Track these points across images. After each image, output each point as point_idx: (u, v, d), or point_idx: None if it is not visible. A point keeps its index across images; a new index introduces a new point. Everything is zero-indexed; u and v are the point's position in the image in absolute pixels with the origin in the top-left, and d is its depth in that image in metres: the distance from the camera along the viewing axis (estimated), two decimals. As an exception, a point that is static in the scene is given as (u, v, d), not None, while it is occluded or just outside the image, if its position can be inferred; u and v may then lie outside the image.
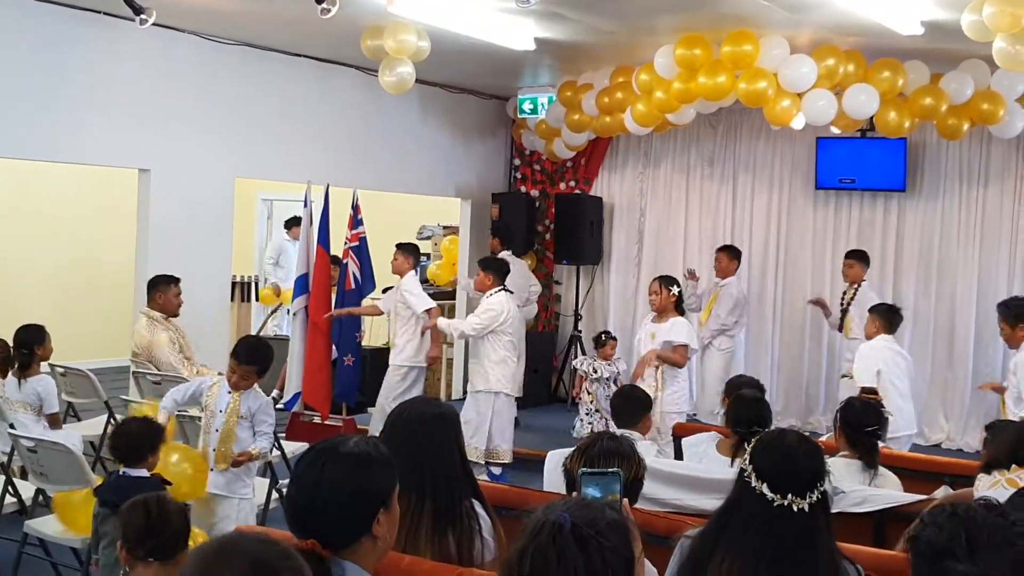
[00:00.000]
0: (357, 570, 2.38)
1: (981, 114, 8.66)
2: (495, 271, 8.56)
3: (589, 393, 8.86)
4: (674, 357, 7.85)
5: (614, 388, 8.33)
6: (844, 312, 9.35)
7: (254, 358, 5.68)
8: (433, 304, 8.87)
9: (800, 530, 2.85)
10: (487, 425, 8.48)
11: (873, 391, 7.13)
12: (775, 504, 2.86)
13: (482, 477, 8.37)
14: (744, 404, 5.23)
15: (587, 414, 8.79)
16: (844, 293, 9.54)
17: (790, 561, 2.83)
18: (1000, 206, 10.01)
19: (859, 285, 9.32)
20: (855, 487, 4.76)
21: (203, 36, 8.66)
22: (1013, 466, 3.73)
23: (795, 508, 2.84)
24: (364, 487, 2.43)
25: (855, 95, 8.56)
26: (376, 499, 2.45)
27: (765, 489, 2.87)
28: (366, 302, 9.40)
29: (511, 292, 8.73)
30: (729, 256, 9.99)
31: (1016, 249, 9.94)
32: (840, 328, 9.44)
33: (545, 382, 11.46)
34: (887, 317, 7.82)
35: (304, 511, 2.42)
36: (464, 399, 11.23)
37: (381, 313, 9.31)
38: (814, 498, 2.86)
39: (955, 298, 10.18)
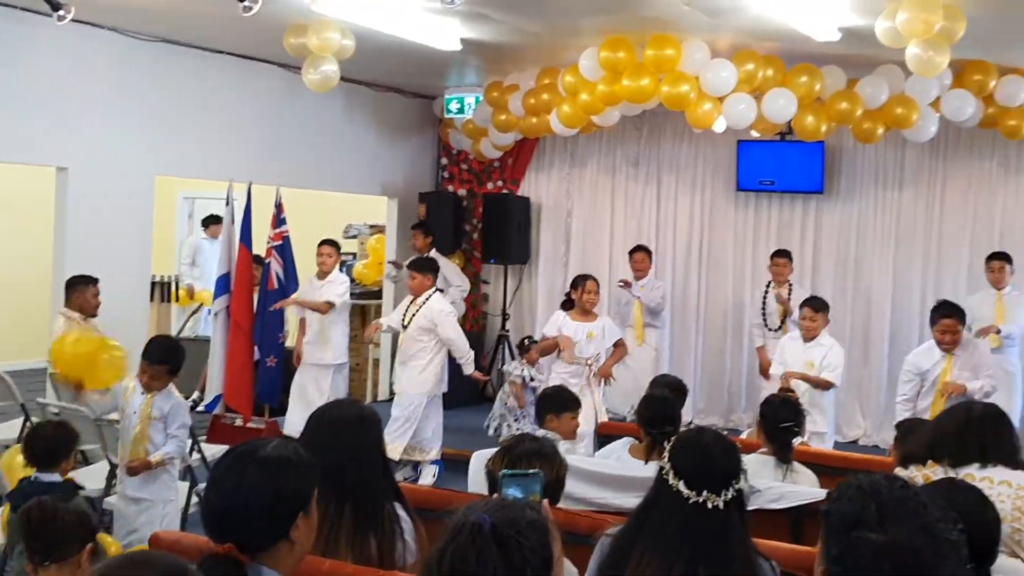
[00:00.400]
0: (272, 574, 2.38)
1: (895, 118, 8.84)
2: (432, 272, 8.57)
3: (516, 397, 8.97)
4: (622, 356, 8.04)
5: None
6: (786, 311, 9.40)
7: (164, 357, 5.62)
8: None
9: (716, 527, 2.91)
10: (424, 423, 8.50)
11: (790, 389, 7.25)
12: (691, 501, 2.92)
13: (425, 479, 8.39)
14: (653, 404, 5.28)
15: (509, 411, 8.90)
16: (769, 291, 9.56)
17: (706, 557, 2.88)
18: (915, 208, 10.24)
19: (791, 284, 9.46)
20: (772, 484, 4.84)
21: (122, 32, 8.52)
22: (929, 462, 3.83)
23: (710, 505, 2.90)
24: (283, 491, 2.43)
25: (774, 99, 8.71)
26: (295, 503, 2.45)
27: (682, 486, 2.93)
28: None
29: (442, 291, 8.77)
30: (649, 256, 10.13)
31: (930, 250, 10.18)
32: (779, 329, 9.46)
33: (474, 382, 11.45)
34: (827, 312, 8.00)
35: (222, 515, 2.41)
36: (392, 399, 11.27)
37: (326, 310, 9.21)
38: (729, 495, 2.93)
39: (871, 298, 10.39)
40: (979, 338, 8.12)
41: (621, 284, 10.11)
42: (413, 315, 8.38)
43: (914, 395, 7.28)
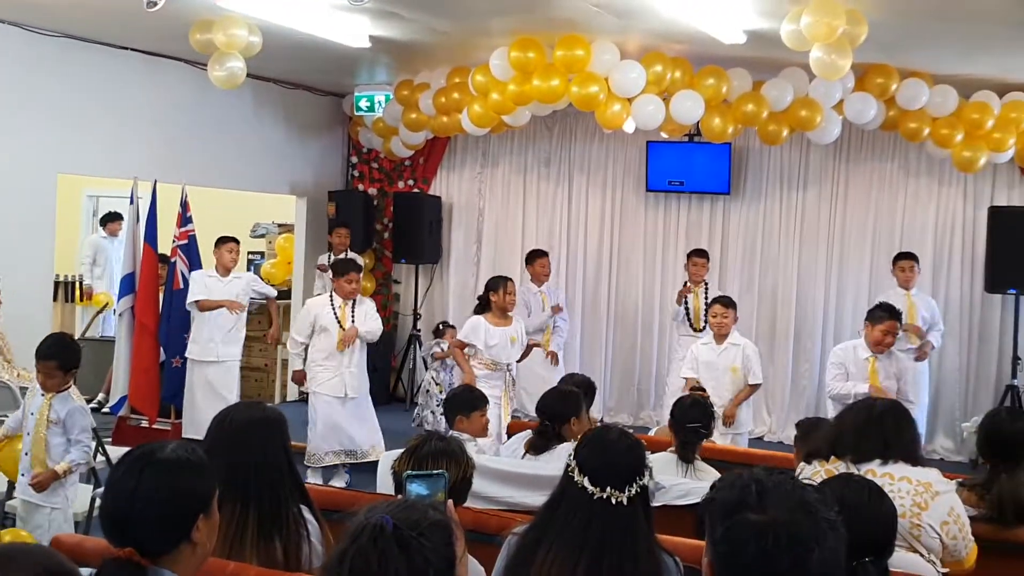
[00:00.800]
0: None
1: (800, 120, 9.00)
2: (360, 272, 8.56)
3: (437, 384, 8.92)
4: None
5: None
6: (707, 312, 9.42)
7: (52, 353, 5.50)
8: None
9: (620, 523, 2.95)
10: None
11: (702, 388, 7.33)
12: (595, 497, 2.96)
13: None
14: (548, 396, 5.33)
15: (430, 397, 8.90)
16: (689, 291, 9.52)
17: (610, 553, 2.92)
18: (818, 208, 10.45)
19: (707, 284, 9.53)
20: (679, 481, 4.90)
21: (23, 27, 8.30)
22: (832, 457, 3.90)
23: (614, 501, 2.95)
24: (183, 493, 2.41)
25: (682, 101, 8.81)
26: (194, 504, 2.43)
27: (587, 483, 2.98)
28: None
29: None
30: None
31: (833, 249, 10.40)
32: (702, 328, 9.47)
33: (383, 382, 11.40)
34: (736, 309, 8.11)
35: (121, 519, 2.37)
36: (301, 400, 11.15)
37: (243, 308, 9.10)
38: (633, 491, 2.97)
39: (776, 296, 10.58)
40: (910, 334, 8.30)
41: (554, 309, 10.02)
42: (353, 317, 8.26)
43: (841, 385, 7.28)
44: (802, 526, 1.96)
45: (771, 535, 1.94)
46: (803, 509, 1.99)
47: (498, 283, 8.04)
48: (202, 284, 8.89)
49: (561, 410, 5.35)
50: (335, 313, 8.15)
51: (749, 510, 1.99)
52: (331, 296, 8.22)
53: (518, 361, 8.25)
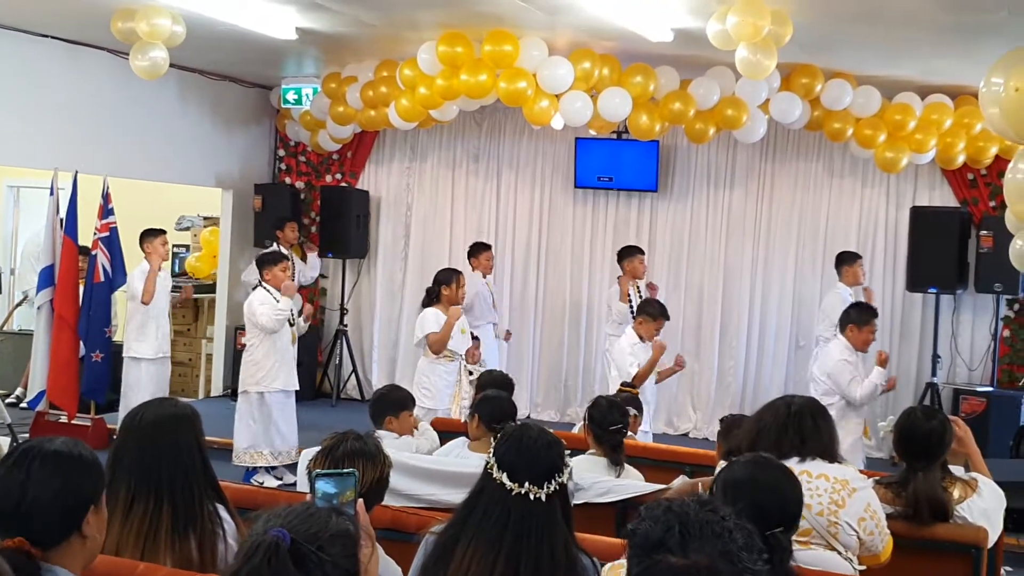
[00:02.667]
0: (65, 573, 2.36)
1: (726, 119, 9.07)
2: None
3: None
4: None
5: None
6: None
7: None
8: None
9: (537, 518, 2.96)
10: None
11: (632, 386, 7.35)
12: (513, 493, 2.97)
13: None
14: (493, 402, 5.29)
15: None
16: (630, 289, 9.49)
17: (527, 548, 2.93)
18: (744, 206, 10.55)
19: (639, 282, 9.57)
20: (600, 478, 4.90)
21: (-63, 11, 8.11)
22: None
23: (532, 497, 2.96)
24: (70, 485, 2.45)
25: (609, 98, 8.83)
26: (85, 497, 2.47)
27: (505, 478, 2.99)
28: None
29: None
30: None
31: (759, 246, 10.51)
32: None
33: (310, 377, 11.28)
34: None
35: (11, 510, 2.40)
36: (225, 395, 11.04)
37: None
38: (551, 488, 2.99)
39: (703, 293, 10.67)
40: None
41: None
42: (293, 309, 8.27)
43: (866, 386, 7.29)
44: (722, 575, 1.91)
45: None
46: (726, 558, 1.92)
47: (451, 276, 8.02)
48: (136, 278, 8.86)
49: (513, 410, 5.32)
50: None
51: (669, 552, 1.93)
52: (267, 290, 8.12)
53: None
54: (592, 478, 4.85)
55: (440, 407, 7.77)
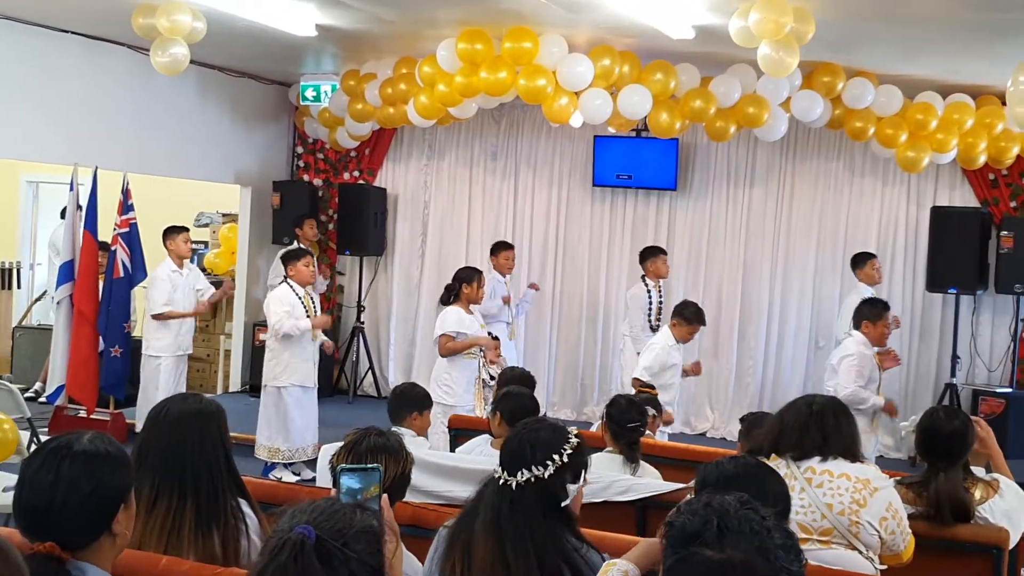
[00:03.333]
0: (96, 571, 2.32)
1: (747, 117, 9.03)
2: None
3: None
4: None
5: None
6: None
7: None
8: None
9: (512, 506, 3.03)
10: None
11: (650, 386, 7.33)
12: (501, 482, 3.07)
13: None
14: (514, 399, 5.29)
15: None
16: (651, 290, 9.42)
17: (509, 536, 3.00)
18: (764, 205, 10.51)
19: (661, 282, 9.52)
20: (620, 477, 4.90)
21: (-40, 7, 8.14)
22: (772, 455, 3.90)
23: (512, 486, 3.05)
24: (103, 484, 2.38)
25: (629, 95, 8.80)
26: (116, 496, 2.40)
27: (499, 469, 3.09)
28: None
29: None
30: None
31: (778, 246, 10.47)
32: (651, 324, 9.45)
33: (327, 374, 11.30)
34: None
35: (40, 513, 2.33)
36: (243, 391, 11.08)
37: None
38: (524, 478, 3.04)
39: (721, 292, 10.63)
40: None
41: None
42: (315, 305, 8.35)
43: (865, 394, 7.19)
44: (757, 572, 1.88)
45: None
46: (763, 555, 1.90)
47: (472, 275, 7.95)
48: (168, 284, 8.90)
49: (535, 407, 5.32)
50: (302, 301, 8.18)
51: (706, 545, 1.92)
52: (291, 286, 8.17)
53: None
54: (610, 476, 4.85)
55: (461, 404, 7.74)
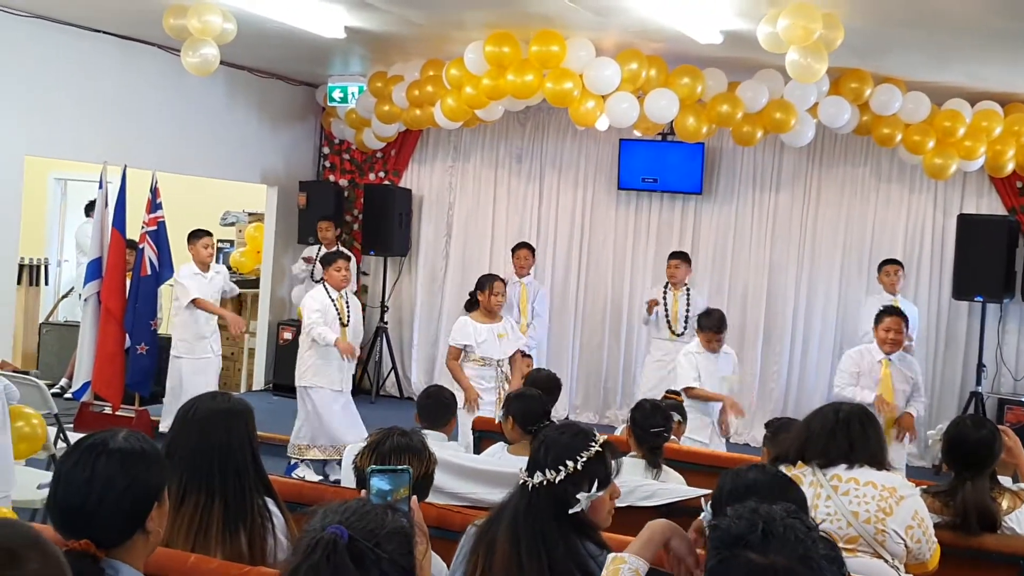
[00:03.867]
0: (128, 570, 2.32)
1: (774, 122, 9.02)
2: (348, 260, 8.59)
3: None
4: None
5: None
6: (687, 317, 9.32)
7: None
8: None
9: (528, 508, 3.03)
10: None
11: (676, 393, 7.31)
12: (521, 483, 3.08)
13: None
14: (526, 401, 5.27)
15: None
16: (657, 303, 9.44)
17: (524, 538, 2.99)
18: (790, 210, 10.48)
19: (688, 288, 9.47)
20: (644, 482, 4.90)
21: (-6, 6, 8.21)
22: (799, 462, 3.89)
23: (529, 486, 3.05)
24: (138, 482, 2.38)
25: (656, 99, 8.80)
26: (150, 494, 2.41)
27: (521, 471, 3.10)
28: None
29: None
30: (532, 252, 10.08)
31: (804, 251, 10.44)
32: (682, 334, 9.37)
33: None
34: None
35: (75, 510, 2.34)
36: (267, 390, 11.13)
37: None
38: (536, 481, 3.03)
39: (746, 298, 10.60)
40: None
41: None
42: (349, 310, 8.40)
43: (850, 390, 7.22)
44: None
45: None
46: (806, 563, 1.92)
47: (485, 283, 7.82)
48: (195, 282, 8.95)
49: (545, 411, 5.31)
50: (335, 304, 8.26)
51: (750, 548, 1.94)
52: (325, 288, 8.28)
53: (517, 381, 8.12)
54: (634, 481, 4.85)
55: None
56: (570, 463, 3.05)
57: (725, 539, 1.98)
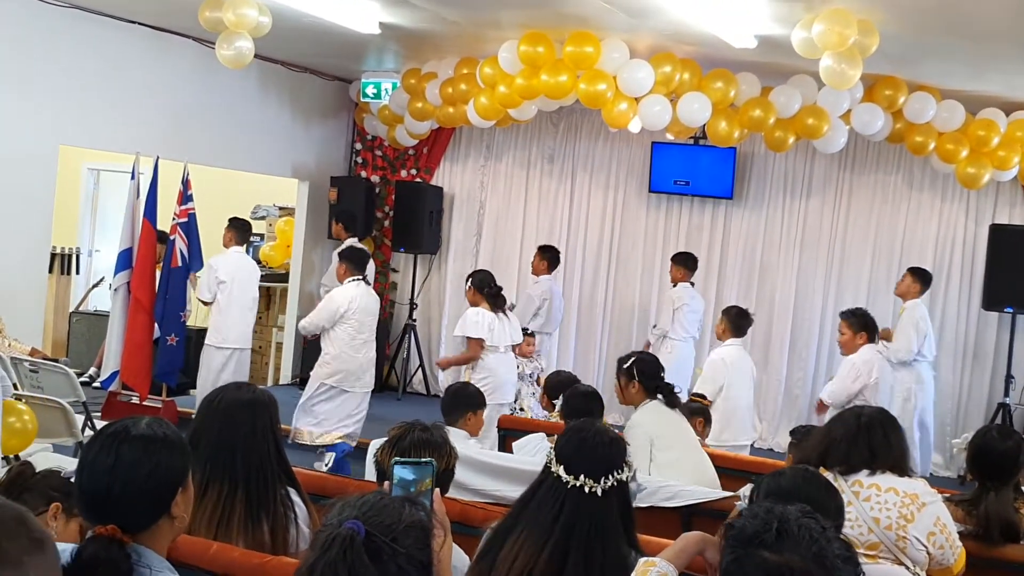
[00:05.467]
0: (150, 554, 2.35)
1: (806, 128, 8.98)
2: (348, 260, 8.51)
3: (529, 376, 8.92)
4: (464, 353, 7.88)
5: (537, 386, 8.36)
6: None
7: None
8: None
9: (590, 511, 2.97)
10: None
11: (703, 396, 7.31)
12: (569, 486, 2.99)
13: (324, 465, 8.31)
14: (579, 396, 5.32)
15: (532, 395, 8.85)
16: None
17: (577, 541, 2.94)
18: (820, 217, 10.42)
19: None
20: (666, 482, 4.90)
21: (30, -4, 8.28)
22: (821, 468, 3.88)
23: (587, 490, 2.98)
24: (161, 467, 2.40)
25: (689, 103, 8.78)
26: (175, 480, 2.43)
27: (562, 471, 3.01)
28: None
29: (368, 282, 8.71)
30: (540, 256, 10.08)
31: (833, 258, 10.38)
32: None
33: (377, 370, 11.33)
34: (736, 321, 8.05)
35: (101, 497, 2.36)
36: (294, 384, 11.17)
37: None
38: (607, 484, 2.99)
39: (774, 304, 10.56)
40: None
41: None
42: None
43: None
44: None
45: None
46: (820, 562, 1.94)
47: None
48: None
49: (588, 408, 5.36)
50: None
51: (765, 547, 1.96)
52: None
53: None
54: (656, 482, 4.85)
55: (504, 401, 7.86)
56: (629, 461, 3.07)
57: (740, 538, 2.00)
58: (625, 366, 5.60)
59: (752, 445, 10.35)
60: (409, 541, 2.07)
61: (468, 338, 8.01)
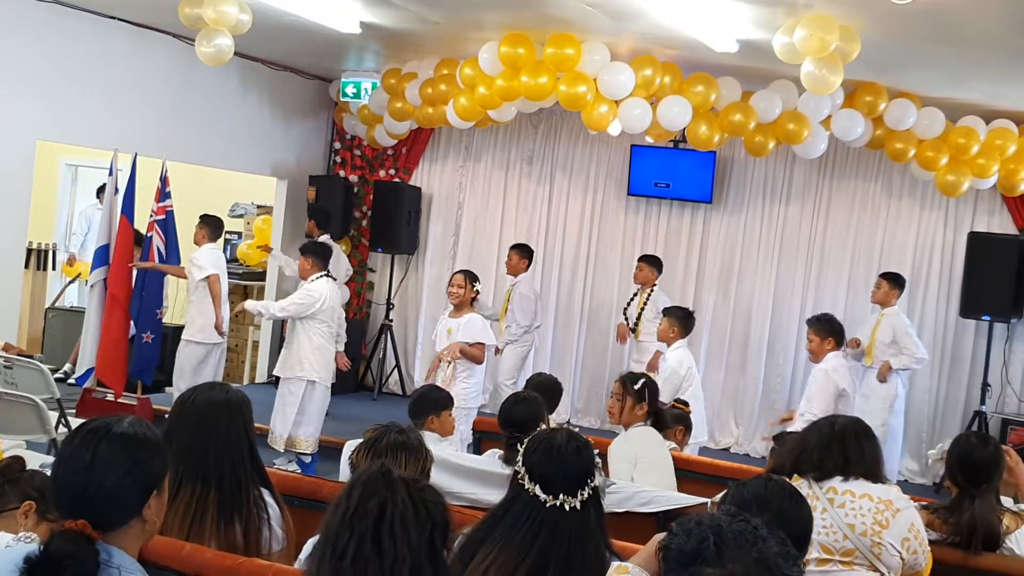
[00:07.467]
0: (121, 555, 2.35)
1: (787, 133, 8.99)
2: (314, 256, 8.41)
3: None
4: (473, 352, 7.80)
5: None
6: (638, 316, 9.55)
7: None
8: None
9: (570, 528, 2.94)
10: (294, 413, 8.31)
11: (685, 403, 7.30)
12: (548, 505, 2.94)
13: (292, 467, 8.25)
14: (509, 404, 5.22)
15: None
16: (634, 296, 9.77)
17: (557, 554, 2.91)
18: (799, 222, 10.44)
19: (651, 289, 9.60)
20: (642, 488, 4.89)
21: (8, -11, 8.22)
22: (795, 475, 3.88)
23: (567, 508, 2.94)
24: (138, 468, 2.40)
25: (669, 106, 8.78)
26: (151, 482, 2.43)
27: (538, 491, 2.96)
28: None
29: (334, 278, 8.64)
30: (520, 254, 10.04)
31: (811, 264, 10.40)
32: (633, 331, 9.61)
33: (352, 370, 11.31)
34: (683, 321, 8.05)
35: (76, 492, 2.36)
36: (269, 383, 11.10)
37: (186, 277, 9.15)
38: (585, 495, 2.97)
39: (752, 308, 10.57)
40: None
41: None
42: None
43: None
44: None
45: None
46: (762, 564, 1.94)
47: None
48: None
49: (529, 417, 5.26)
50: None
51: (706, 563, 1.94)
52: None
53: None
54: (634, 487, 4.84)
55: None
56: (596, 461, 3.05)
57: (679, 559, 1.98)
58: (636, 387, 5.59)
59: (728, 450, 10.44)
60: (438, 497, 2.34)
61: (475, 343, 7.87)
